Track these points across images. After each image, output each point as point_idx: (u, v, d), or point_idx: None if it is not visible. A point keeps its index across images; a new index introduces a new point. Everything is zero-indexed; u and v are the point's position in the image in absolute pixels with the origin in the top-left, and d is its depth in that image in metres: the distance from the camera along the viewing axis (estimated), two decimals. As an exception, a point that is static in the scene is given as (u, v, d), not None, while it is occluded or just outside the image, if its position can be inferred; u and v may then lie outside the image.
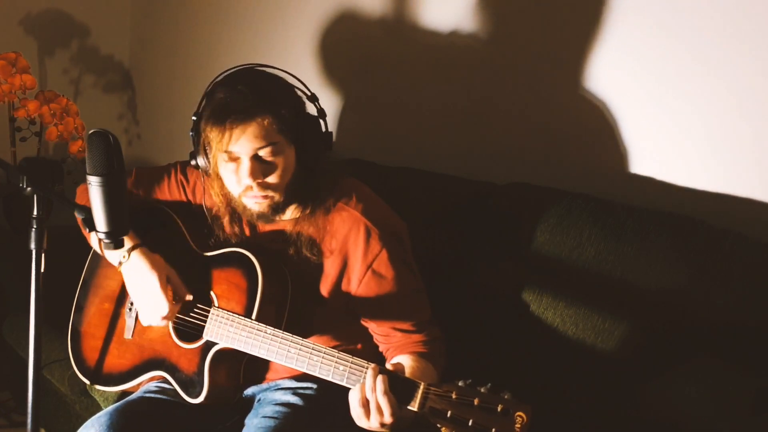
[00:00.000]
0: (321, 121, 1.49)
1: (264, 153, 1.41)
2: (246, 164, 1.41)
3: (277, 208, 1.48)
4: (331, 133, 1.51)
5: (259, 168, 1.42)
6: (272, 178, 1.43)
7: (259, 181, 1.42)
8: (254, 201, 1.46)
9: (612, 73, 1.80)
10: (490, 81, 2.04)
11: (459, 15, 2.06)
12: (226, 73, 1.46)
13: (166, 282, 1.51)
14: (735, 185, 1.63)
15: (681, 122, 1.69)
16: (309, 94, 1.50)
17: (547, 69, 1.92)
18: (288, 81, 1.49)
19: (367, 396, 1.23)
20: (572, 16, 1.85)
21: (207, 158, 1.48)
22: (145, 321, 1.54)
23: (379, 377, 1.22)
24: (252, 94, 1.40)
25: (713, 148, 1.65)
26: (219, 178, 1.50)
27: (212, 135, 1.41)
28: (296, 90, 1.48)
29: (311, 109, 1.50)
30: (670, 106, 1.70)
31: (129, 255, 1.53)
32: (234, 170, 1.43)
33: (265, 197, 1.45)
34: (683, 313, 1.50)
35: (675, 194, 1.72)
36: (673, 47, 1.67)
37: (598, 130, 1.83)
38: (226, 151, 1.41)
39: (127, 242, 1.53)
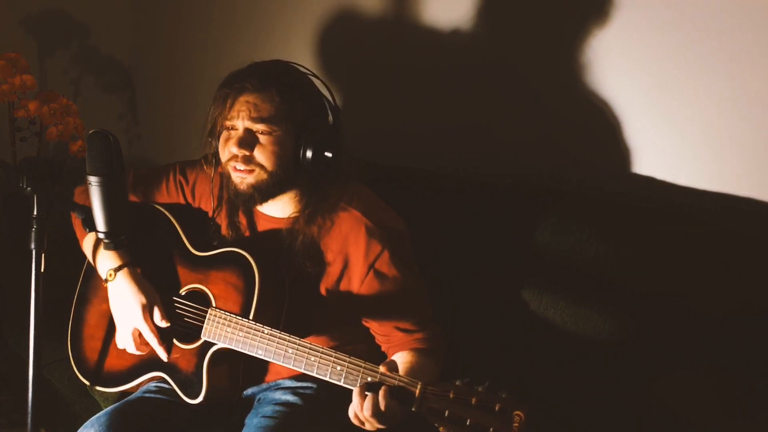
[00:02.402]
0: (338, 131, 1.48)
1: (259, 128, 1.42)
2: (238, 133, 1.43)
3: (260, 191, 1.46)
4: (342, 147, 1.49)
5: (249, 141, 1.43)
6: (258, 156, 1.44)
7: (245, 153, 1.43)
8: (237, 175, 1.46)
9: (613, 73, 1.79)
10: (491, 81, 2.04)
11: (460, 15, 2.06)
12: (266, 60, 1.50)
13: (149, 312, 1.51)
14: (735, 185, 1.63)
15: (681, 122, 1.69)
16: (333, 104, 1.50)
17: (548, 69, 1.92)
18: (314, 82, 1.50)
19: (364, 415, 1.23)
20: (573, 16, 1.84)
21: (213, 136, 1.50)
22: (120, 344, 1.54)
23: (368, 398, 1.22)
24: (270, 73, 1.43)
25: (713, 148, 1.65)
26: (219, 164, 1.51)
27: (219, 96, 1.44)
28: (321, 96, 1.49)
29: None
30: (670, 106, 1.70)
31: (115, 275, 1.53)
32: (227, 138, 1.45)
33: (248, 172, 1.44)
34: (683, 313, 1.50)
35: (675, 194, 1.72)
36: (673, 47, 1.67)
37: (599, 130, 1.83)
38: (226, 119, 1.43)
39: (115, 261, 1.53)
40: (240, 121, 1.43)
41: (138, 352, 1.54)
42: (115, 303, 1.54)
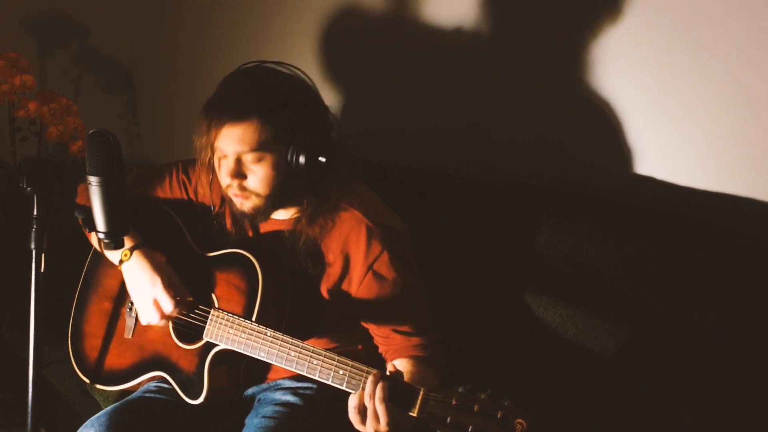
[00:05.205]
0: (330, 132, 1.46)
1: (248, 159, 1.41)
2: (229, 164, 1.43)
3: (261, 212, 1.47)
4: (340, 143, 1.46)
5: (241, 170, 1.42)
6: (253, 184, 1.43)
7: (239, 183, 1.43)
8: (237, 200, 1.47)
9: (613, 73, 1.79)
10: (492, 82, 2.04)
11: (461, 16, 2.06)
12: (242, 68, 1.47)
13: (168, 282, 1.51)
14: (735, 185, 1.63)
15: (681, 122, 1.69)
16: (321, 103, 1.48)
17: (549, 69, 1.92)
18: (298, 85, 1.46)
19: (365, 402, 1.22)
20: (574, 17, 1.84)
21: (208, 165, 1.49)
22: (144, 320, 1.53)
23: (379, 384, 1.21)
24: (248, 96, 1.39)
25: (713, 148, 1.65)
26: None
27: (203, 128, 1.42)
28: (308, 98, 1.46)
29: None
30: (670, 106, 1.70)
31: (130, 254, 1.53)
32: (220, 166, 1.46)
33: (246, 197, 1.45)
34: (683, 313, 1.50)
35: (675, 194, 1.72)
36: (674, 47, 1.67)
37: (599, 130, 1.83)
38: (214, 148, 1.42)
39: (128, 241, 1.53)
40: (228, 150, 1.41)
41: (162, 323, 1.52)
42: (132, 281, 1.53)
